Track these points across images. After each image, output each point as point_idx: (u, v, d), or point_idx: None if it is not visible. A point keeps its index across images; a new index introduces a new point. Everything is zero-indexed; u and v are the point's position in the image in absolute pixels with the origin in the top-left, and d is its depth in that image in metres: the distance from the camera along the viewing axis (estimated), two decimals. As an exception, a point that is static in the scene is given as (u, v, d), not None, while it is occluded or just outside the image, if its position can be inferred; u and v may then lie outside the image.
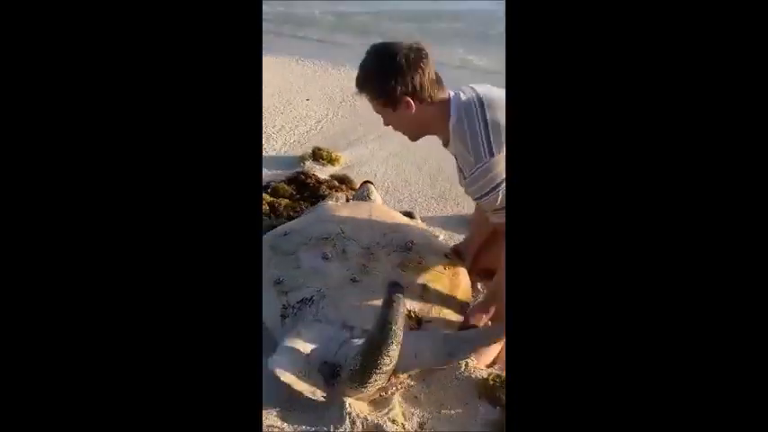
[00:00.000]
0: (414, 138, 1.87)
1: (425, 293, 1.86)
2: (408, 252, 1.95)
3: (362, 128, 3.58)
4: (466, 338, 1.74)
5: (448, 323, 1.84)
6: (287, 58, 4.85)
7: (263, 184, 2.61)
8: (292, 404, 1.58)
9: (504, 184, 1.66)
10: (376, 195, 2.47)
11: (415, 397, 1.62)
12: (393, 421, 1.52)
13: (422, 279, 1.89)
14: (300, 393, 1.53)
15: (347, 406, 1.53)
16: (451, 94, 1.76)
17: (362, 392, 1.53)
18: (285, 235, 2.01)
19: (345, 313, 1.72)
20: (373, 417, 1.52)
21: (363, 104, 4.48)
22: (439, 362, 1.66)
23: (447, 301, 1.89)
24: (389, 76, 1.70)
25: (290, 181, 2.64)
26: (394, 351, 1.45)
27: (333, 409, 1.54)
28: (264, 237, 2.03)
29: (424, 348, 1.66)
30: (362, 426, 1.49)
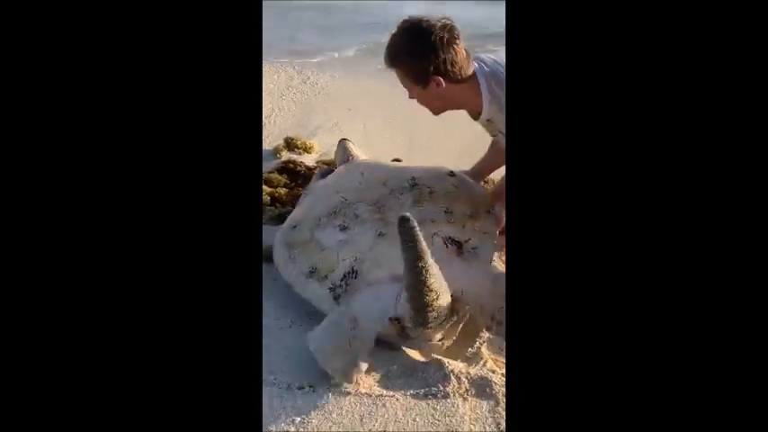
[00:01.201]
0: (437, 112, 1.93)
1: (452, 216, 1.89)
2: (415, 187, 1.98)
3: (315, 117, 3.55)
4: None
5: (487, 232, 1.89)
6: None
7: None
8: (390, 371, 1.57)
9: None
10: (356, 150, 2.47)
11: (500, 348, 1.66)
12: (493, 371, 1.56)
13: (441, 205, 1.92)
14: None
15: (446, 364, 1.55)
16: (476, 66, 1.83)
17: (433, 331, 1.58)
18: (294, 228, 1.99)
19: (389, 267, 1.72)
20: (473, 371, 1.55)
21: (304, 96, 4.37)
22: (485, 291, 1.70)
23: (474, 212, 1.93)
24: (422, 56, 1.74)
25: (279, 171, 2.57)
26: (434, 284, 1.48)
27: (432, 371, 1.56)
28: (276, 238, 2.01)
29: (468, 284, 1.67)
30: (467, 380, 1.53)
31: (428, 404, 1.49)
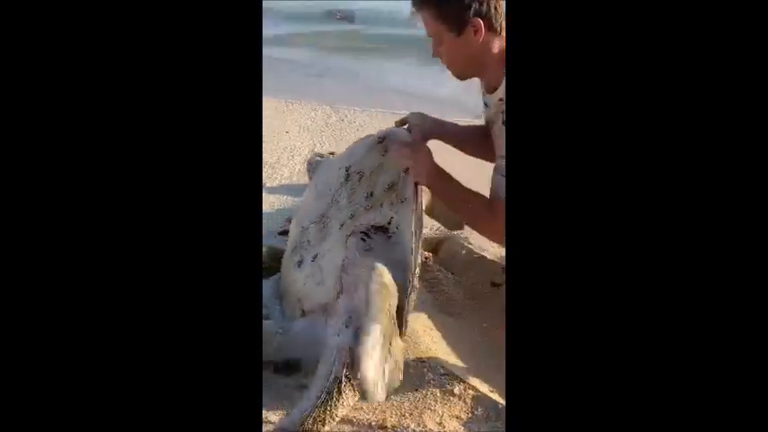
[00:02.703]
0: (462, 74, 1.71)
1: (371, 200, 1.70)
2: (348, 179, 1.76)
3: (357, 153, 3.54)
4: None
5: (405, 199, 1.67)
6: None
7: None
8: (475, 415, 1.50)
9: None
10: (322, 157, 2.39)
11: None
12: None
13: (364, 191, 1.72)
14: None
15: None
16: None
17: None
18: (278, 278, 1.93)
19: (318, 297, 1.65)
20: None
21: (344, 133, 4.38)
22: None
23: (396, 177, 1.69)
24: None
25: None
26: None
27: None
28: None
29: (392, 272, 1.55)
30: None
31: (521, 450, 1.41)
